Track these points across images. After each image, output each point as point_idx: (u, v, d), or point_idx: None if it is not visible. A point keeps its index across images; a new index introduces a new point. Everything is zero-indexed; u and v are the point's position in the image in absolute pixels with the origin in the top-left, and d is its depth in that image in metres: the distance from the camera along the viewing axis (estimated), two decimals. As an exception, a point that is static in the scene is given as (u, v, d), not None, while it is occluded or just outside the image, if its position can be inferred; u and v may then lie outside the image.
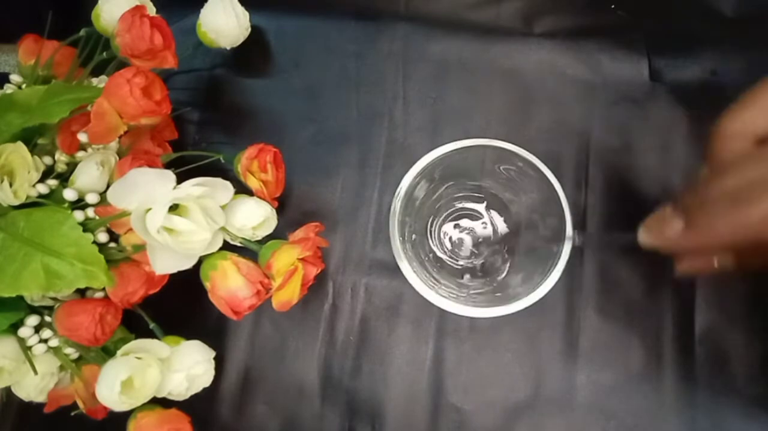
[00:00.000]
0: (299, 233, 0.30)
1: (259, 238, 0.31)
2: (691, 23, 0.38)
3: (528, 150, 0.29)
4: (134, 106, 0.27)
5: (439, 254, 0.35)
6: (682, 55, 0.37)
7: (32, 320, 0.28)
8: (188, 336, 0.30)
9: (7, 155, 0.26)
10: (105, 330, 0.27)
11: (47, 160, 0.29)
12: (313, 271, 0.29)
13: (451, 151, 0.29)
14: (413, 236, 0.33)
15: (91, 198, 0.28)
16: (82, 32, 0.32)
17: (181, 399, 0.29)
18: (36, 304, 0.28)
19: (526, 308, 0.28)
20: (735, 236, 0.19)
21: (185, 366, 0.28)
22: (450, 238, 0.35)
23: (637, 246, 0.23)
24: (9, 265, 0.24)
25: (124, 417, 0.28)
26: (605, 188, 0.35)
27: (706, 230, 0.20)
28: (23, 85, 0.32)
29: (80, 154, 0.30)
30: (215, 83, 0.39)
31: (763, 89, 0.20)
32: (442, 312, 0.32)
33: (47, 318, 0.28)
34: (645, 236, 0.22)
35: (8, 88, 0.32)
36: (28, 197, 0.27)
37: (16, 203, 0.26)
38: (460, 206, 0.35)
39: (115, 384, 0.25)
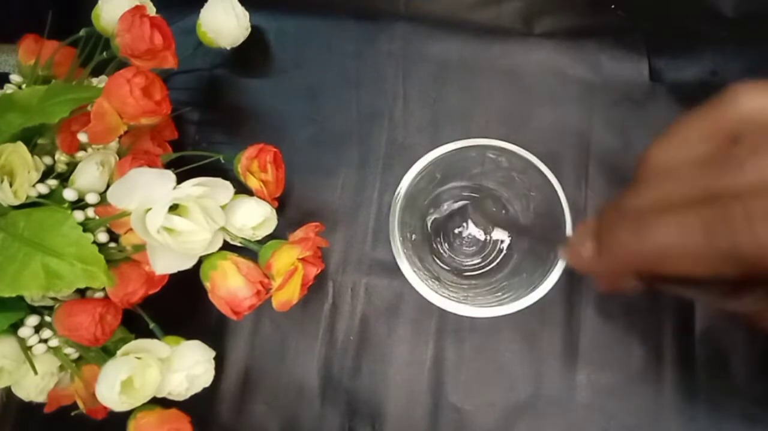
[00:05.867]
0: (299, 233, 0.30)
1: (259, 238, 0.31)
2: (691, 23, 0.38)
3: (528, 150, 0.29)
4: (134, 106, 0.27)
5: (439, 253, 0.35)
6: (682, 55, 0.37)
7: (32, 320, 0.28)
8: (188, 336, 0.30)
9: (7, 155, 0.26)
10: (105, 330, 0.27)
11: (47, 160, 0.29)
12: (313, 271, 0.29)
13: (451, 151, 0.29)
14: (413, 236, 0.33)
15: (91, 198, 0.28)
16: (82, 32, 0.32)
17: (181, 399, 0.29)
18: (36, 304, 0.28)
19: (526, 308, 0.27)
20: (635, 265, 0.19)
21: (185, 366, 0.28)
22: (450, 238, 0.35)
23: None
24: (9, 265, 0.24)
25: (124, 417, 0.28)
26: (605, 188, 0.35)
27: (611, 257, 0.20)
28: (23, 85, 0.32)
29: (80, 154, 0.30)
30: (215, 83, 0.39)
31: (684, 123, 0.20)
32: (442, 312, 0.32)
33: (47, 318, 0.28)
34: (564, 255, 0.22)
35: (8, 88, 0.32)
36: (28, 197, 0.27)
37: (16, 203, 0.26)
38: (460, 206, 0.35)
39: (115, 384, 0.25)
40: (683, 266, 0.17)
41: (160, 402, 0.28)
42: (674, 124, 0.20)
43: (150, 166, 0.28)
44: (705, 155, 0.19)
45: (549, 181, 0.28)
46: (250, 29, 0.36)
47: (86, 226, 0.26)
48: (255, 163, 0.31)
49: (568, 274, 0.33)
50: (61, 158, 0.29)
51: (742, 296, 0.19)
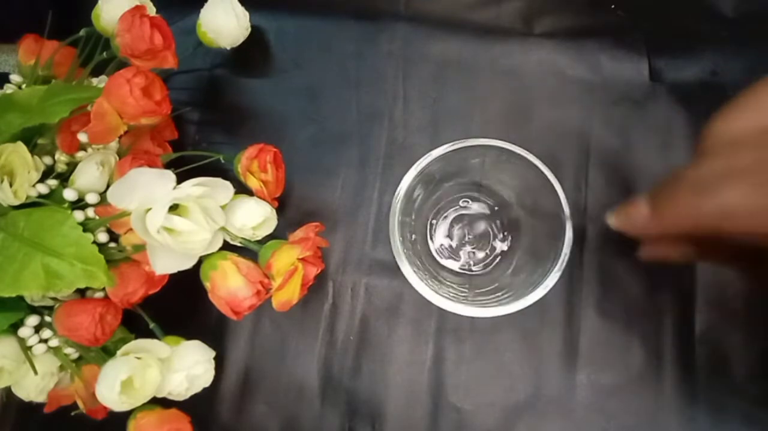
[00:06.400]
0: (299, 233, 0.30)
1: (259, 238, 0.31)
2: (691, 23, 0.38)
3: (528, 150, 0.29)
4: (134, 106, 0.27)
5: (440, 253, 0.35)
6: (682, 55, 0.37)
7: (32, 320, 0.28)
8: (188, 336, 0.30)
9: (7, 155, 0.26)
10: (105, 330, 0.27)
11: (47, 160, 0.29)
12: (313, 271, 0.29)
13: (451, 151, 0.29)
14: (413, 236, 0.33)
15: (91, 198, 0.28)
16: (82, 32, 0.32)
17: (181, 399, 0.29)
18: (36, 304, 0.28)
19: (526, 308, 0.28)
20: (693, 224, 0.19)
21: (185, 366, 0.28)
22: (450, 238, 0.35)
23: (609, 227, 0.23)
24: (9, 265, 0.24)
25: (124, 417, 0.28)
26: (605, 188, 0.35)
27: (668, 217, 0.20)
28: (23, 85, 0.32)
29: (80, 154, 0.30)
30: (215, 83, 0.39)
31: (753, 93, 0.20)
32: (442, 312, 0.32)
33: (47, 318, 0.28)
34: (614, 219, 0.23)
35: (8, 88, 0.32)
36: (28, 197, 0.27)
37: (16, 203, 0.26)
38: (460, 206, 0.35)
39: (115, 384, 0.25)
40: (752, 223, 0.18)
41: (160, 402, 0.28)
42: (736, 98, 0.21)
43: (150, 166, 0.28)
44: None
45: (549, 181, 0.28)
46: (250, 29, 0.36)
47: (86, 226, 0.26)
48: (255, 163, 0.31)
49: (568, 274, 0.33)
50: (61, 158, 0.29)
51: None
